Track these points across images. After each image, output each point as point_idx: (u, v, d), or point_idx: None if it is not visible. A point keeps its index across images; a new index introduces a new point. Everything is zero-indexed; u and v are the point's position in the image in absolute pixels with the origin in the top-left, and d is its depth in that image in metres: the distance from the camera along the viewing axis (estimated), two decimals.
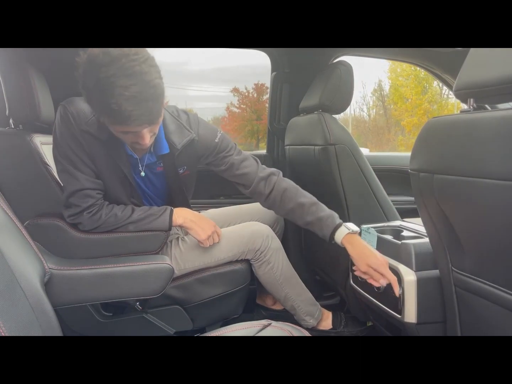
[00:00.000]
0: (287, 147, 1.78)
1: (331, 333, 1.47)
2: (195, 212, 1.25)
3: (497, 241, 0.75)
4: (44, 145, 1.28)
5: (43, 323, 0.66)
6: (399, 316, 1.05)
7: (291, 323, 0.79)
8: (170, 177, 1.20)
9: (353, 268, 1.14)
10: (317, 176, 1.52)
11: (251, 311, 1.59)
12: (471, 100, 0.75)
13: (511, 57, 0.66)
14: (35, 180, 1.21)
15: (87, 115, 1.06)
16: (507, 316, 0.76)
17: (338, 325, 1.48)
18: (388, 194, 1.47)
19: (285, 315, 1.47)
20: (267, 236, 1.31)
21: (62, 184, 1.14)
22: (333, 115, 1.50)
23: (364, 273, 1.10)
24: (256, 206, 1.50)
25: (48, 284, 0.89)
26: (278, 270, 1.33)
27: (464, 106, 0.79)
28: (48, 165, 1.22)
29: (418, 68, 4.37)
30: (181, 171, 1.21)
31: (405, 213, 1.49)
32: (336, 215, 1.20)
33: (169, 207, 1.18)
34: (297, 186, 1.26)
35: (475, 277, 0.83)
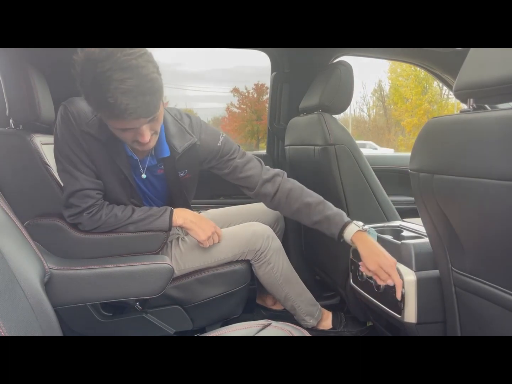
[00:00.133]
0: (287, 147, 1.78)
1: (331, 333, 1.47)
2: (195, 212, 1.25)
3: (497, 241, 0.75)
4: (44, 145, 1.28)
5: (43, 323, 0.66)
6: (399, 316, 1.05)
7: (291, 323, 0.79)
8: (171, 180, 1.20)
9: (359, 263, 1.13)
10: (317, 176, 1.52)
11: (251, 311, 1.59)
12: (471, 100, 0.75)
13: (511, 57, 0.66)
14: (35, 180, 1.21)
15: (88, 116, 1.06)
16: (507, 316, 0.76)
17: (338, 325, 1.48)
18: (388, 194, 1.47)
19: (285, 315, 1.46)
20: (267, 236, 1.30)
21: (62, 184, 1.14)
22: (333, 115, 1.50)
23: (371, 271, 1.09)
24: (256, 206, 1.50)
25: (48, 284, 0.88)
26: (279, 270, 1.33)
27: (464, 106, 0.79)
28: (48, 165, 1.22)
29: (418, 68, 4.37)
30: (182, 174, 1.21)
31: (405, 213, 1.48)
32: (343, 213, 1.19)
33: (169, 208, 1.18)
34: (302, 186, 1.25)
35: (475, 277, 0.83)
